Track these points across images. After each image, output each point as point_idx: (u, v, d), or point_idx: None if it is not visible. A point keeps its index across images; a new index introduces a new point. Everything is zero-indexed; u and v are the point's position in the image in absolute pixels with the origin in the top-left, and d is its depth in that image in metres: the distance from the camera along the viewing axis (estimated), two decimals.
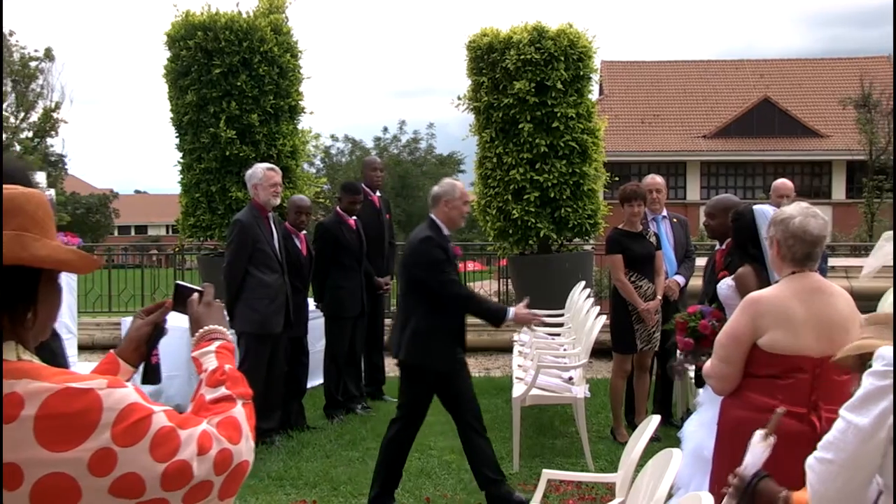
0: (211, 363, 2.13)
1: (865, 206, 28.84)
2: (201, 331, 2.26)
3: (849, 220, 32.29)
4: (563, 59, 11.58)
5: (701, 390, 5.35)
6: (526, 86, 11.42)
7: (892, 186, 10.67)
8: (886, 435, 2.33)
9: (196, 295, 2.35)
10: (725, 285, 5.31)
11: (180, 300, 2.38)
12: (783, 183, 8.56)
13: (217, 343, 2.20)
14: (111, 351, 2.35)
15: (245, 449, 1.89)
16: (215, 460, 1.81)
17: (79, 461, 1.66)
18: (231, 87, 11.31)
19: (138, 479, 1.70)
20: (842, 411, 2.43)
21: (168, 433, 1.75)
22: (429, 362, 6.00)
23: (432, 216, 6.09)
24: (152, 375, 2.44)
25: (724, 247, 6.16)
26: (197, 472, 1.77)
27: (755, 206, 5.34)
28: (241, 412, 1.97)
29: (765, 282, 4.98)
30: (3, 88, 11.31)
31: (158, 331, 2.40)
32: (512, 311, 6.08)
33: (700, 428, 4.98)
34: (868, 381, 2.38)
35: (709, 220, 6.38)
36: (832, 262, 10.43)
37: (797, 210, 4.01)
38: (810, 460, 2.49)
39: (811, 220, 3.96)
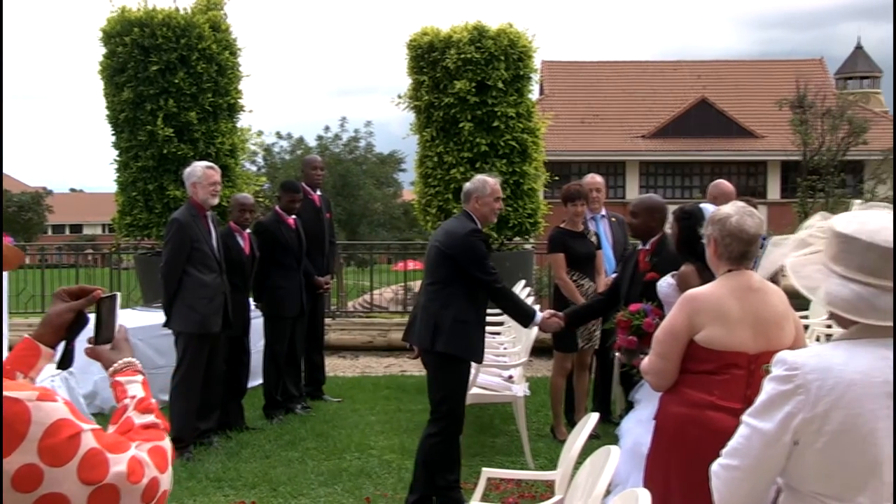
0: (138, 391, 2.13)
1: (799, 206, 29.31)
2: (126, 360, 2.24)
3: (783, 219, 32.79)
4: (503, 58, 11.63)
5: (640, 387, 5.40)
6: (466, 85, 11.45)
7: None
8: (790, 438, 2.34)
9: (119, 328, 2.33)
10: (666, 283, 5.36)
11: (102, 312, 2.33)
12: (721, 183, 8.67)
13: (142, 377, 2.21)
14: (27, 336, 2.26)
15: (168, 479, 1.92)
16: (145, 487, 1.81)
17: (5, 473, 1.62)
18: (169, 85, 11.17)
19: (64, 499, 1.67)
20: (745, 417, 2.46)
21: (96, 455, 1.73)
22: (469, 353, 5.99)
23: (468, 210, 6.04)
24: (67, 360, 2.38)
25: (647, 246, 6.23)
26: (124, 497, 1.76)
27: (702, 205, 5.41)
28: (168, 443, 2.00)
29: (708, 281, 5.05)
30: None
31: (81, 320, 2.32)
32: (540, 315, 6.18)
33: (637, 424, 5.02)
34: (770, 387, 2.40)
35: (632, 218, 6.43)
36: None
37: (734, 209, 4.07)
38: (715, 467, 2.52)
39: (747, 218, 4.02)
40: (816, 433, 2.30)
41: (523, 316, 6.24)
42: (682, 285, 5.18)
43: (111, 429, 2.00)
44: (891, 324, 2.32)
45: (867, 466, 2.28)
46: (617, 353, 5.63)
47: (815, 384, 2.30)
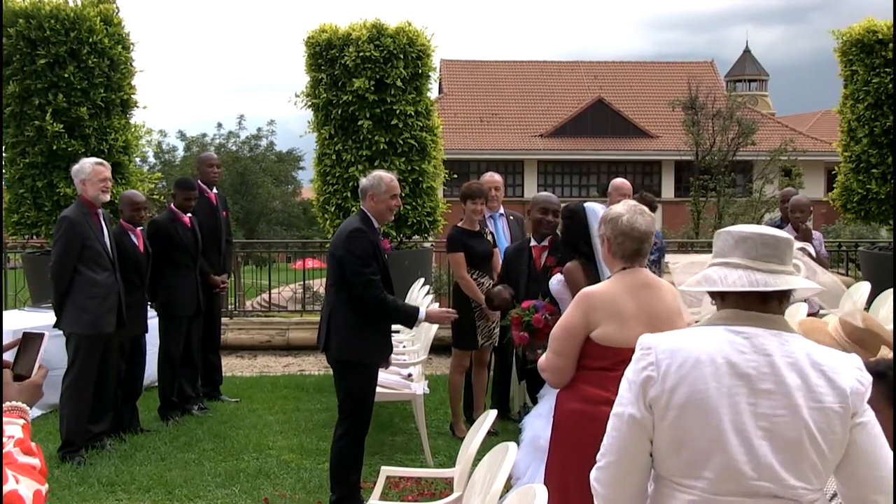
0: (17, 433, 2.13)
1: (692, 205, 30.06)
2: (12, 403, 2.23)
3: (677, 217, 33.60)
4: (402, 56, 11.64)
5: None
6: (365, 83, 11.43)
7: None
8: (648, 414, 2.48)
9: (38, 371, 2.32)
10: (556, 280, 5.44)
11: (25, 347, 2.32)
12: (622, 182, 8.89)
13: (23, 422, 2.20)
14: None
15: None
16: None
17: None
18: (58, 79, 10.87)
19: None
20: (611, 414, 2.58)
21: None
22: (366, 356, 5.84)
23: (363, 208, 5.94)
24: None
25: (546, 243, 6.35)
26: None
27: (586, 204, 5.50)
28: (46, 490, 2.04)
29: (593, 277, 5.15)
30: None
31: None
32: (423, 311, 6.05)
33: (538, 418, 5.09)
34: (628, 370, 2.57)
35: (554, 218, 6.53)
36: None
37: (625, 208, 4.15)
38: (593, 476, 2.60)
39: (638, 217, 4.10)
40: (665, 408, 2.45)
41: (407, 319, 6.12)
42: (570, 281, 5.28)
43: None
44: (727, 289, 2.52)
45: (711, 440, 2.41)
46: (519, 349, 5.68)
47: (665, 361, 2.47)
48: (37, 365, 2.31)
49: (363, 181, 6.02)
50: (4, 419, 2.16)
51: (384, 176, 5.97)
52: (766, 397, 2.41)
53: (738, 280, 2.50)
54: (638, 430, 2.49)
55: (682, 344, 2.50)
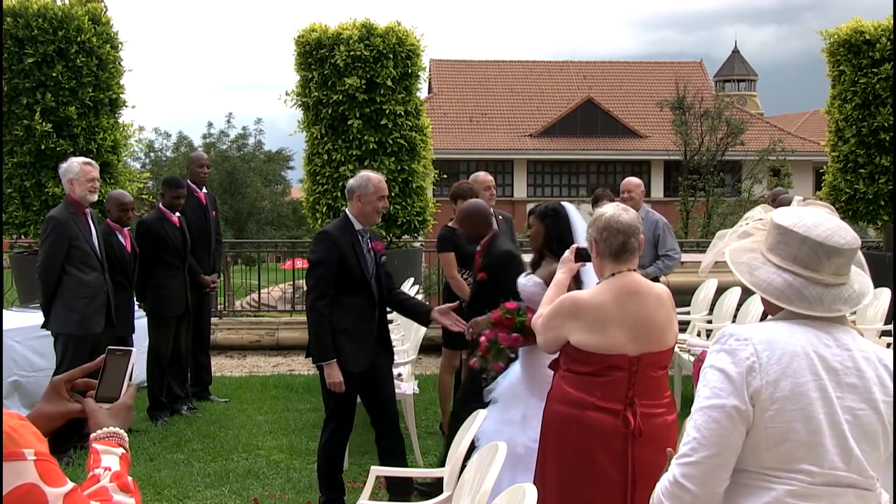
0: (113, 464, 1.93)
1: (681, 204, 30.13)
2: (110, 430, 2.01)
3: (666, 217, 33.69)
4: (391, 56, 11.64)
5: (495, 386, 5.47)
6: (356, 82, 11.42)
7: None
8: (749, 407, 2.44)
9: (127, 390, 2.10)
10: (532, 282, 5.38)
11: (109, 366, 2.10)
12: (631, 180, 9.12)
13: (122, 450, 2.00)
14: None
15: None
16: None
17: None
18: (46, 78, 10.83)
19: None
20: (697, 409, 2.50)
21: None
22: (340, 364, 5.70)
23: (346, 211, 5.90)
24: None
25: (480, 248, 6.44)
26: None
27: (564, 203, 5.50)
28: None
29: (576, 278, 5.17)
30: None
31: (74, 428, 2.05)
32: (331, 368, 5.68)
33: (508, 425, 5.14)
34: (719, 364, 2.50)
35: (459, 228, 6.68)
36: None
37: (608, 208, 4.16)
38: (673, 478, 2.49)
39: (622, 213, 4.11)
40: (769, 400, 2.44)
41: (317, 348, 5.74)
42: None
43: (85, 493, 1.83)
44: (816, 313, 2.50)
45: (811, 432, 2.43)
46: (473, 359, 5.52)
47: (765, 353, 2.45)
48: (125, 385, 2.09)
49: (350, 182, 5.96)
50: (101, 447, 1.94)
51: (372, 176, 5.89)
52: (850, 391, 2.47)
53: (835, 300, 2.51)
54: (740, 423, 2.45)
55: (775, 335, 2.49)
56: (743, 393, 2.44)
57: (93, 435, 1.99)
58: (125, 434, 2.03)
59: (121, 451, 1.98)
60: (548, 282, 5.22)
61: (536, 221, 5.34)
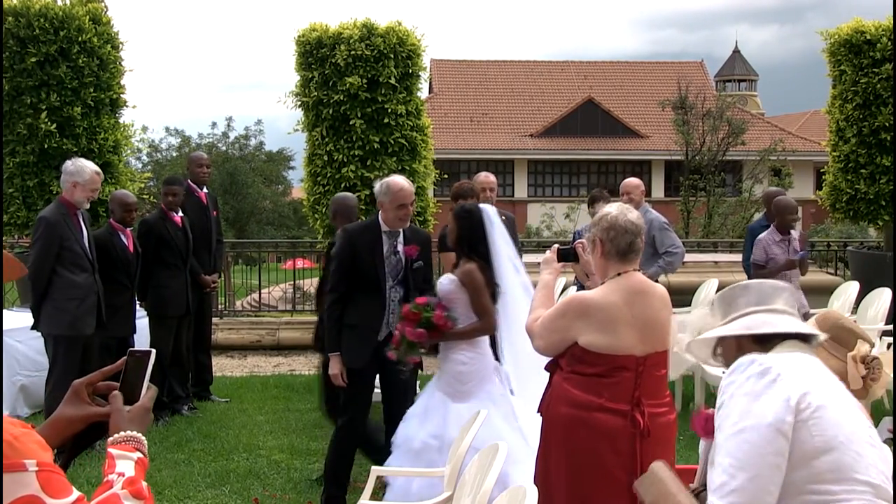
0: (128, 470, 1.93)
1: (682, 204, 30.07)
2: (127, 434, 2.01)
3: (667, 217, 33.63)
4: (392, 56, 11.62)
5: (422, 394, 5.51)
6: (358, 81, 11.40)
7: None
8: (792, 419, 2.44)
9: (147, 392, 2.10)
10: (447, 280, 5.38)
11: (130, 367, 2.11)
12: (630, 181, 9.13)
13: (138, 455, 1.99)
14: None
15: None
16: None
17: None
18: (49, 78, 10.84)
19: None
20: (732, 430, 2.47)
21: None
22: (345, 358, 5.76)
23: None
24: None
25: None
26: None
27: (481, 206, 5.53)
28: None
29: (489, 277, 5.20)
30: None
31: (95, 431, 2.05)
32: (334, 360, 5.77)
33: (410, 419, 5.35)
34: (749, 386, 2.50)
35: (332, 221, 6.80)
36: None
37: (612, 208, 4.15)
38: None
39: (627, 212, 4.10)
40: (808, 409, 2.46)
41: (326, 340, 5.89)
42: (468, 282, 5.26)
43: (93, 502, 1.81)
44: (785, 330, 2.70)
45: (846, 438, 2.45)
46: (390, 352, 5.49)
47: (789, 371, 2.52)
48: (145, 386, 2.09)
49: (376, 185, 5.89)
50: (117, 452, 1.94)
51: (392, 184, 5.72)
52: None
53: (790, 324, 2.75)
54: (781, 439, 2.41)
55: (786, 357, 2.60)
56: (782, 407, 2.43)
57: (110, 439, 1.97)
58: (143, 438, 2.01)
59: (137, 455, 1.96)
60: (466, 280, 5.25)
61: (452, 220, 5.40)
